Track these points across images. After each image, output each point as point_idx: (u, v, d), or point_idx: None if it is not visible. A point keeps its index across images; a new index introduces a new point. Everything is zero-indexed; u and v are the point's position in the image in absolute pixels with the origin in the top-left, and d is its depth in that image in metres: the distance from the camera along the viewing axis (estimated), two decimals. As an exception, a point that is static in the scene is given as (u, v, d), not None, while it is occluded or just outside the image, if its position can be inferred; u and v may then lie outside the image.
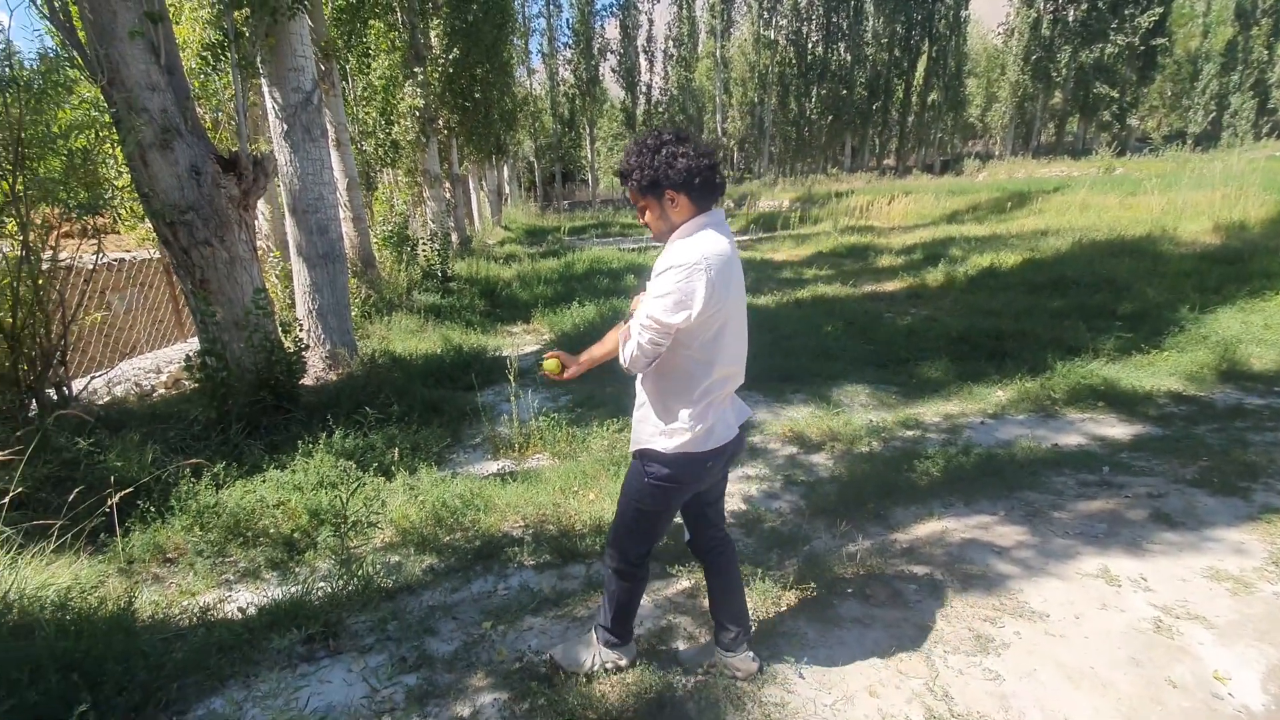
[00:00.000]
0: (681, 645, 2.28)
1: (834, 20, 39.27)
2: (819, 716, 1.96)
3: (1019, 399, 4.79)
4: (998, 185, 22.62)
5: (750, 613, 2.42)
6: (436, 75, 12.60)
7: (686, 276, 1.61)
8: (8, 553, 2.54)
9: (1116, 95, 34.25)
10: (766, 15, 38.01)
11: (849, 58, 39.23)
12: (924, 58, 39.07)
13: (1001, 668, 2.13)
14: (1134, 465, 3.67)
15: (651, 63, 38.88)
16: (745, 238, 17.80)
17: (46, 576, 2.46)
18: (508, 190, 32.34)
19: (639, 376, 1.87)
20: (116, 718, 1.83)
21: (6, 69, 3.93)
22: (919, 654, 2.20)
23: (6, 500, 2.71)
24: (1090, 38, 34.14)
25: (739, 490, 3.62)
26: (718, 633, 2.11)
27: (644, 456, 1.85)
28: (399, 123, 11.78)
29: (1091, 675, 2.09)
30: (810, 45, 39.27)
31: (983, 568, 2.72)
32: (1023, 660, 2.17)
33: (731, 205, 28.51)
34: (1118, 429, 4.24)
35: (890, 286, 9.41)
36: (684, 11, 39.10)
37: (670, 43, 38.49)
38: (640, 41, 37.74)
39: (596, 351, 1.97)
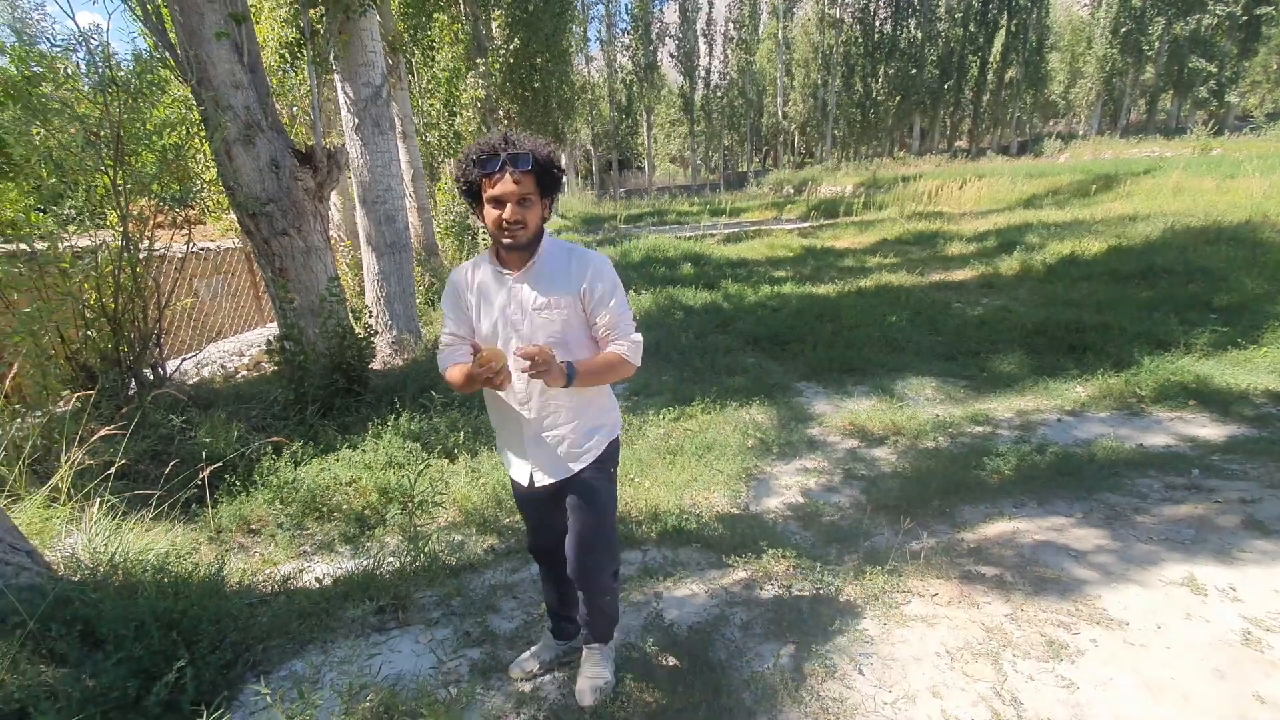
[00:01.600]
0: (737, 634, 2.28)
1: (903, -4, 37.57)
2: (879, 714, 1.92)
3: (1101, 396, 4.52)
4: (1081, 167, 21.26)
5: (806, 606, 2.40)
6: (498, 66, 12.81)
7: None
8: (113, 519, 2.77)
9: (1215, 70, 31.47)
10: (832, -7, 36.76)
11: (919, 35, 37.46)
12: (1002, 32, 36.88)
13: (1075, 675, 2.03)
14: (1226, 468, 3.41)
15: (711, 46, 38.22)
16: (805, 224, 17.39)
17: (147, 542, 2.67)
18: (565, 178, 32.60)
19: (548, 396, 1.74)
20: (210, 674, 1.97)
21: (106, 70, 4.23)
22: (986, 657, 2.13)
23: (112, 471, 2.96)
24: (1186, 8, 31.45)
25: (796, 483, 3.57)
26: (566, 625, 2.14)
27: (604, 459, 1.84)
28: (461, 114, 12.04)
29: (1172, 687, 1.97)
30: (878, 23, 37.73)
31: (1057, 571, 2.59)
32: (1099, 669, 2.06)
33: (791, 191, 27.91)
34: (1210, 429, 3.95)
35: (960, 275, 9.02)
36: (745, -8, 38.23)
37: (731, 25, 37.71)
38: (700, 25, 37.11)
39: (597, 369, 1.73)
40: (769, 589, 2.53)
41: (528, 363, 1.51)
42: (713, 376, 5.24)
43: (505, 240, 1.63)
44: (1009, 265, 8.89)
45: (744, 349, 6.08)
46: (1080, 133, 37.04)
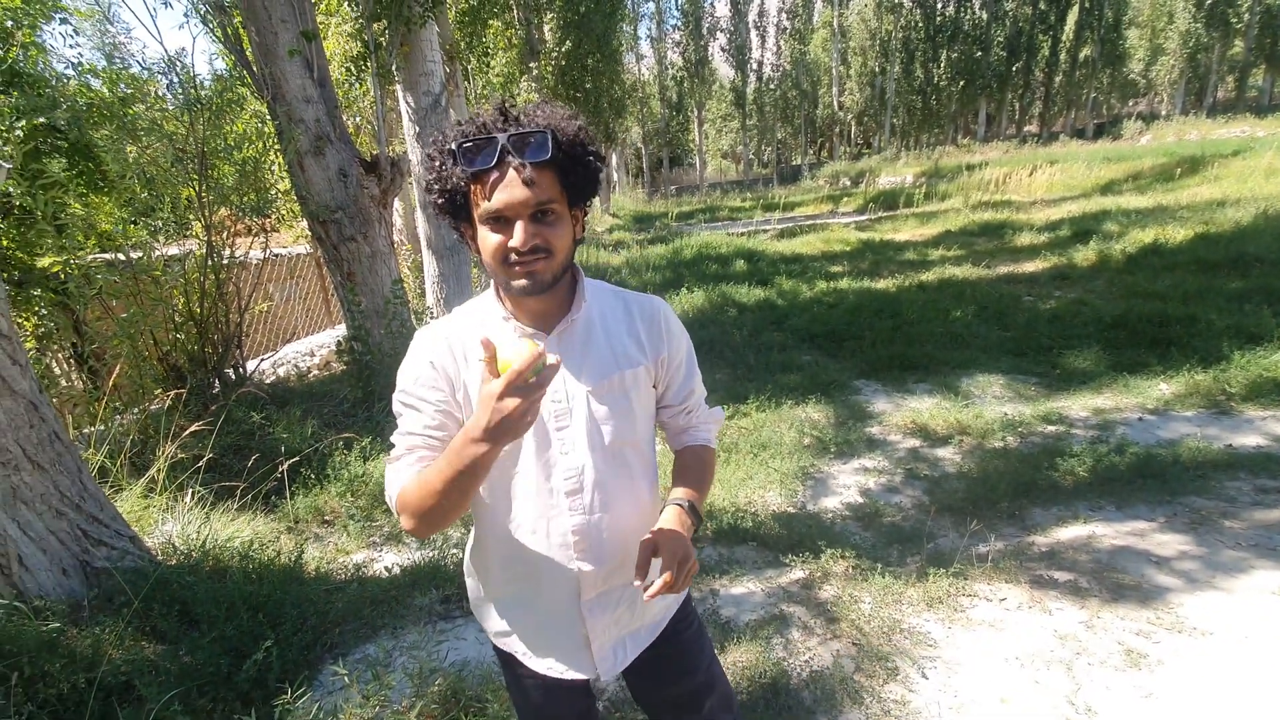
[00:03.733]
0: (796, 633, 2.26)
1: (967, -24, 36.04)
2: (942, 719, 1.88)
3: (1186, 393, 4.25)
4: (1164, 149, 19.96)
5: (866, 607, 2.35)
6: (550, 68, 13.03)
7: None
8: (203, 509, 2.98)
9: (1317, 38, 28.92)
10: (890, -22, 35.63)
11: (984, 15, 35.85)
12: (1075, 8, 34.89)
13: (1155, 686, 1.93)
14: (1335, 472, 3.15)
15: (763, 38, 37.67)
16: (863, 218, 16.95)
17: (233, 530, 2.86)
18: (615, 177, 32.85)
19: (615, 512, 1.06)
20: (293, 654, 2.10)
21: (191, 91, 4.52)
22: (1059, 664, 2.04)
23: (202, 464, 3.18)
24: (1285, -28, 29.01)
25: (855, 482, 3.50)
26: None
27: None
28: (516, 117, 12.30)
29: (1261, 702, 1.84)
30: (940, 4, 36.31)
31: (1136, 578, 2.46)
32: (1180, 680, 1.95)
33: (848, 183, 27.24)
34: (1313, 429, 3.66)
35: (1030, 267, 8.60)
36: (799, -18, 37.54)
37: (784, 15, 37.08)
38: (751, 17, 36.66)
39: (706, 488, 1.19)
40: (828, 589, 2.50)
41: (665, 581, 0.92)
42: (767, 374, 5.19)
43: (518, 281, 0.93)
44: (1084, 255, 8.42)
45: (799, 346, 5.99)
46: (1163, 113, 34.68)
